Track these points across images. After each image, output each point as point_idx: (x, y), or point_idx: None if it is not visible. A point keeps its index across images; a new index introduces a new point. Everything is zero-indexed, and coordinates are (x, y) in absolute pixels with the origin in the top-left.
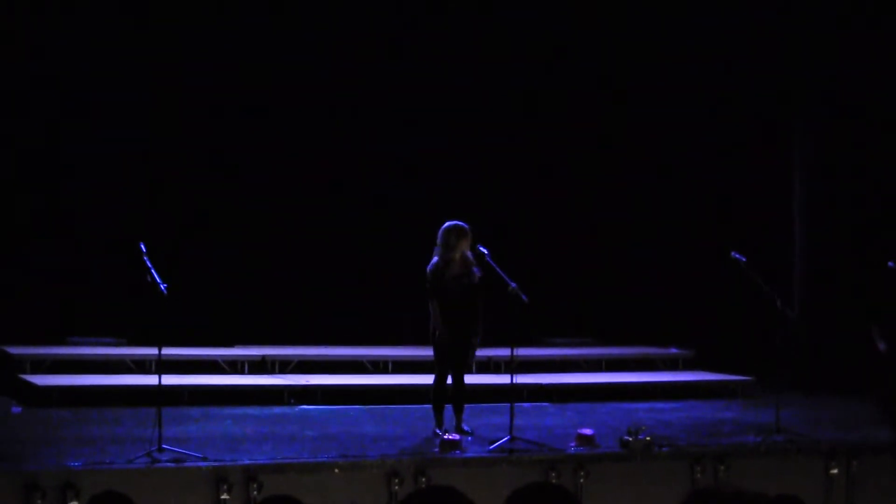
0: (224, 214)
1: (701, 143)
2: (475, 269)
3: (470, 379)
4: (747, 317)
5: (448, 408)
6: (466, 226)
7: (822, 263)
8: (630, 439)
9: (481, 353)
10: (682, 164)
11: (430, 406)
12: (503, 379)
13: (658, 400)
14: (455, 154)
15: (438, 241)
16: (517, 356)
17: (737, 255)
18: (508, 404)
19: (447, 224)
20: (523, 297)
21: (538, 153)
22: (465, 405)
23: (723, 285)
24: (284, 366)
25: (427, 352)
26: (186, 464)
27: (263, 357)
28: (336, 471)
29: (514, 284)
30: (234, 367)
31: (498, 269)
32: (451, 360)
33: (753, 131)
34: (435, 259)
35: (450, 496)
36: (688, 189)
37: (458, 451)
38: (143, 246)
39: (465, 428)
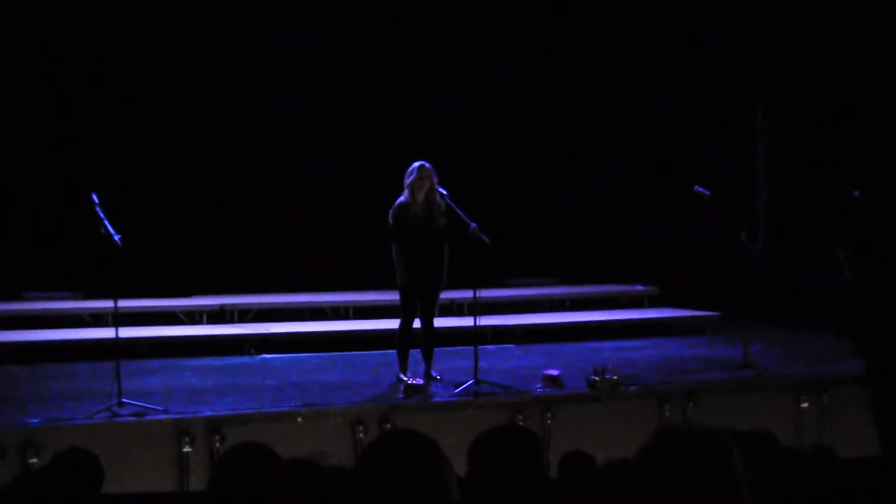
0: (176, 159)
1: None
2: (443, 215)
3: (435, 322)
4: (712, 252)
5: (414, 353)
6: (429, 164)
7: (785, 193)
8: (597, 379)
9: (444, 295)
10: (645, 91)
11: (393, 352)
12: (466, 321)
13: (624, 339)
14: (415, 93)
15: (404, 182)
16: (480, 298)
17: (700, 189)
18: (472, 347)
19: (412, 165)
20: (484, 237)
21: (497, 92)
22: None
23: (687, 220)
24: (244, 315)
25: (389, 296)
26: (147, 417)
27: (222, 306)
28: (299, 420)
29: (474, 225)
30: (193, 317)
31: (458, 210)
32: (417, 304)
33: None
34: (399, 200)
35: (411, 439)
36: (650, 122)
37: (422, 396)
38: (95, 196)
39: (434, 374)
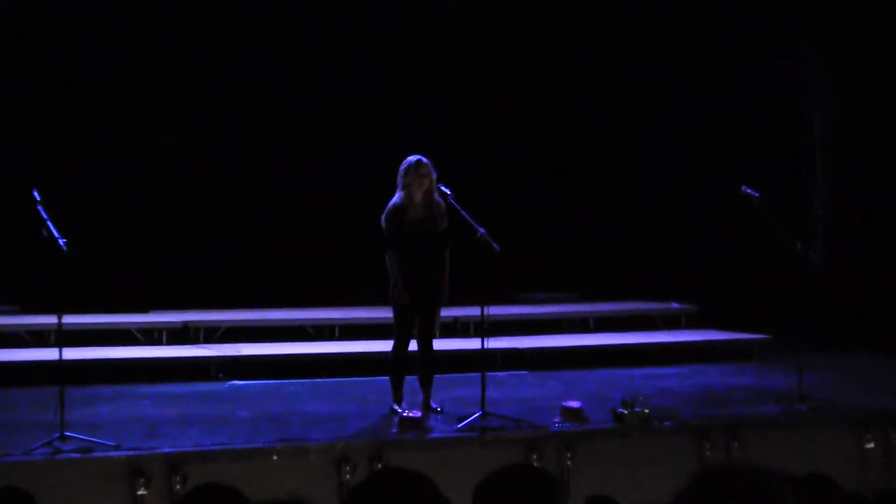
0: (135, 154)
1: (702, 69)
2: (444, 217)
3: (435, 344)
4: (762, 264)
5: (410, 380)
6: (427, 160)
7: (848, 198)
8: (625, 412)
9: (446, 312)
10: (679, 91)
11: (386, 378)
12: (472, 343)
13: (657, 365)
14: (413, 90)
15: (397, 180)
16: (488, 316)
17: (749, 191)
18: (479, 374)
19: (407, 159)
20: (494, 244)
21: (510, 84)
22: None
23: (732, 227)
24: (210, 333)
25: (381, 314)
26: (95, 454)
27: (185, 324)
28: (275, 458)
29: (482, 230)
30: (151, 336)
31: (463, 213)
32: (414, 322)
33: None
34: (393, 200)
35: (409, 480)
36: (690, 117)
37: (419, 431)
38: (36, 194)
39: (434, 405)
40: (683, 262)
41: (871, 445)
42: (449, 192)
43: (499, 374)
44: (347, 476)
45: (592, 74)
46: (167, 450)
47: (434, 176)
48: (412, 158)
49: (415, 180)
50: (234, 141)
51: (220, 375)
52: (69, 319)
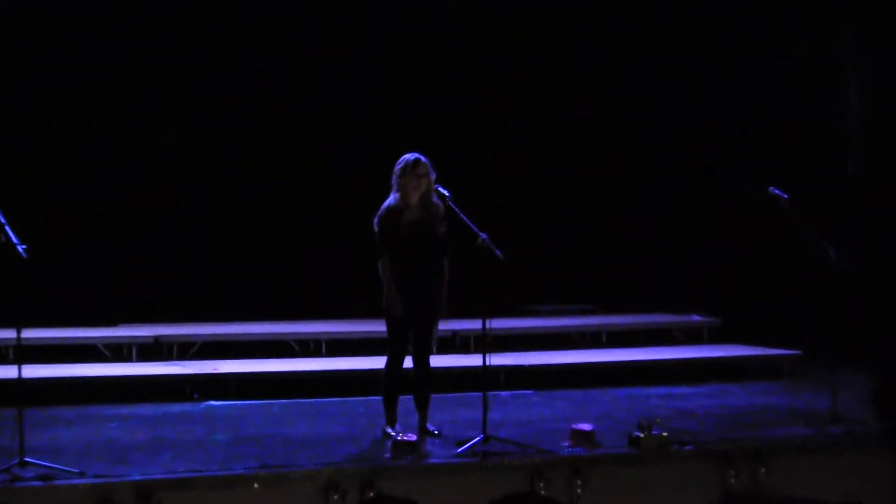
0: (105, 154)
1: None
2: (442, 221)
3: (432, 361)
4: (792, 272)
5: (405, 400)
6: (426, 159)
7: (885, 204)
8: (641, 435)
9: (444, 326)
10: (704, 84)
11: (378, 398)
12: (473, 360)
13: (677, 384)
14: (413, 89)
15: (392, 180)
16: (491, 330)
17: (777, 192)
18: (480, 393)
19: (403, 157)
20: (497, 251)
21: (519, 81)
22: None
23: (758, 234)
24: (185, 349)
25: (373, 327)
26: (58, 481)
27: (157, 338)
28: (255, 485)
29: (484, 236)
30: (119, 352)
31: (463, 217)
32: (409, 336)
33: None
34: (387, 202)
35: None
36: (708, 112)
37: (415, 456)
38: None
39: (431, 428)
40: (705, 271)
41: None
42: (448, 194)
43: (502, 393)
44: None
45: (605, 72)
46: (137, 477)
47: (433, 177)
48: (409, 157)
49: (412, 181)
50: (211, 142)
51: (196, 395)
52: (29, 334)
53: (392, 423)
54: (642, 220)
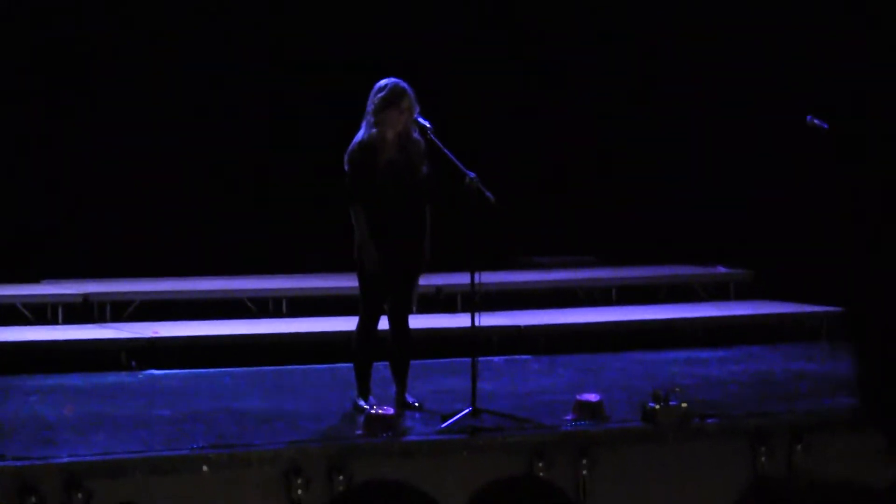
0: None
1: None
2: (424, 160)
3: (411, 321)
4: (831, 218)
5: (382, 370)
6: (407, 86)
7: None
8: (657, 407)
9: (426, 280)
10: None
11: (348, 366)
12: (460, 320)
13: (699, 347)
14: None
15: (367, 109)
16: (482, 285)
17: (815, 121)
18: (469, 360)
19: (379, 83)
20: (487, 193)
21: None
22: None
23: (793, 173)
24: (120, 309)
25: (342, 282)
26: None
27: (86, 297)
28: (205, 468)
29: (472, 174)
30: (42, 313)
31: (448, 153)
32: (385, 294)
33: None
34: (359, 136)
35: (383, 495)
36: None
37: (392, 433)
38: None
39: (411, 400)
40: (732, 216)
41: None
42: (430, 126)
43: (494, 359)
44: (300, 492)
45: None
46: (65, 459)
47: (416, 109)
48: (391, 82)
49: (393, 114)
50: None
51: (133, 363)
52: None
53: (365, 395)
54: (659, 158)
